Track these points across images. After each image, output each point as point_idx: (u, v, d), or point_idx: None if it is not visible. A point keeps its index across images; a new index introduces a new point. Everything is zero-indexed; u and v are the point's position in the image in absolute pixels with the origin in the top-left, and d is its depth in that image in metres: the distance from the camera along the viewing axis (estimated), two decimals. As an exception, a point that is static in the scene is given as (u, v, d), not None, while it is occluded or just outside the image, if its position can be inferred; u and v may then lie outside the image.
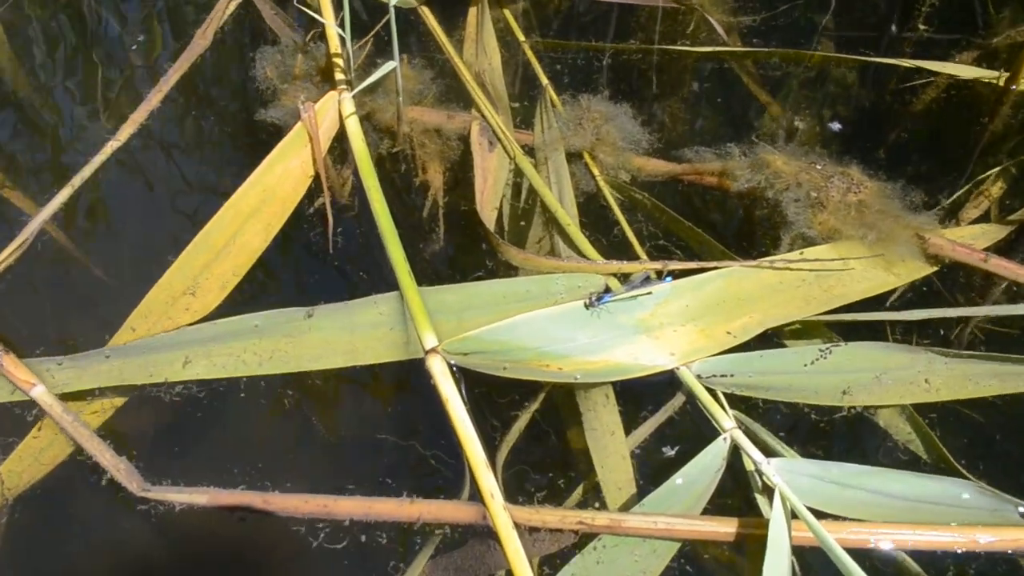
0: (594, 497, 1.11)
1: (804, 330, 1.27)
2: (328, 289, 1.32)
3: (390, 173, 1.50)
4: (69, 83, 1.71)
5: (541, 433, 1.19)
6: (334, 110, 1.49)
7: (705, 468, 1.08)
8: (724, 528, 1.04)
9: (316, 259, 1.38)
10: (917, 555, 1.04)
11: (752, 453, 1.07)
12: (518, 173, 1.46)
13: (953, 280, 1.33)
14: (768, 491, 1.07)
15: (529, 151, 1.50)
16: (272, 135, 1.49)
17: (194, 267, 1.31)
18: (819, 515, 1.02)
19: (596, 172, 1.45)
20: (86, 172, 1.47)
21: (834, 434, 1.19)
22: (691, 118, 1.62)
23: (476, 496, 1.08)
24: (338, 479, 1.12)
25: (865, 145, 1.53)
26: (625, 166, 1.46)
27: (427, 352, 1.16)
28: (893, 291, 1.30)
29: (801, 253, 1.30)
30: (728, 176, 1.44)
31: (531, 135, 1.53)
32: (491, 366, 1.16)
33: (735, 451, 1.10)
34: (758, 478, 1.09)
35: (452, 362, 1.16)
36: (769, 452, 1.09)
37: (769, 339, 1.24)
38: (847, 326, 1.26)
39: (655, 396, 1.20)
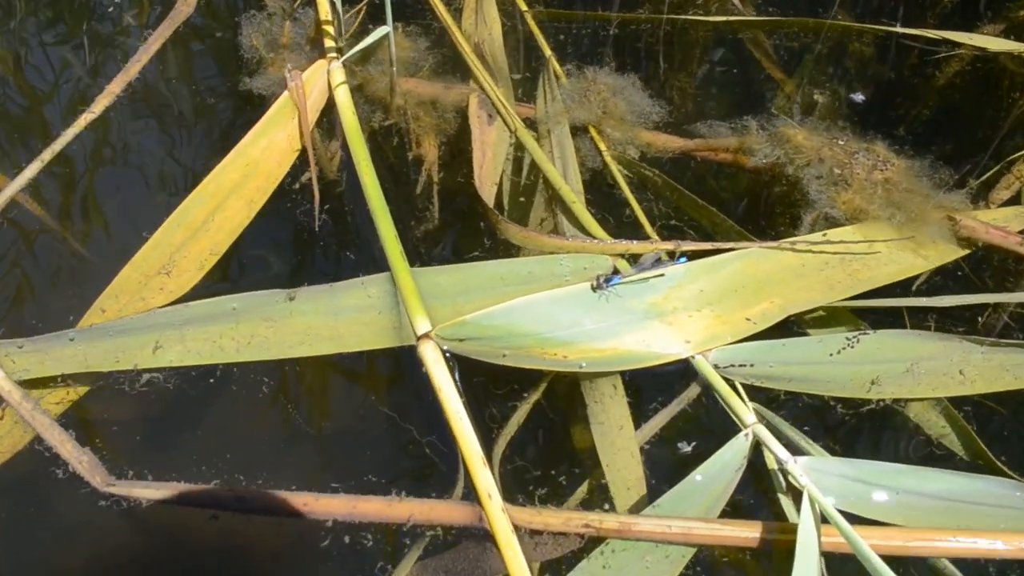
0: (600, 497, 1.00)
1: (828, 317, 1.15)
2: (312, 270, 1.21)
3: (382, 147, 1.38)
4: (50, 50, 1.59)
5: (542, 427, 1.08)
6: (323, 79, 1.37)
7: (724, 466, 0.97)
8: (746, 533, 0.93)
9: (301, 238, 1.26)
10: (958, 561, 0.93)
11: (776, 450, 0.96)
12: (519, 148, 1.35)
13: (978, 264, 1.22)
14: (793, 492, 0.96)
15: (531, 125, 1.38)
16: (257, 107, 1.37)
17: (170, 245, 1.20)
18: (851, 519, 0.90)
19: (603, 147, 1.34)
20: (56, 146, 1.35)
21: (858, 429, 1.08)
22: (703, 92, 1.50)
23: (471, 495, 0.96)
24: (320, 475, 1.01)
25: (886, 121, 1.42)
26: (633, 141, 1.34)
27: (419, 338, 1.04)
28: (916, 276, 1.19)
29: (824, 234, 1.19)
30: (744, 152, 1.32)
31: (533, 108, 1.41)
32: (489, 353, 1.05)
33: (756, 448, 0.99)
34: (781, 478, 0.97)
35: (446, 348, 1.05)
36: (794, 449, 0.98)
37: (789, 327, 1.13)
38: (873, 313, 1.15)
39: (666, 387, 1.09)
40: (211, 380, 1.07)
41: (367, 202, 1.20)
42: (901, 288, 1.17)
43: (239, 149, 1.29)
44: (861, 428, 1.08)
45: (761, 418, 1.00)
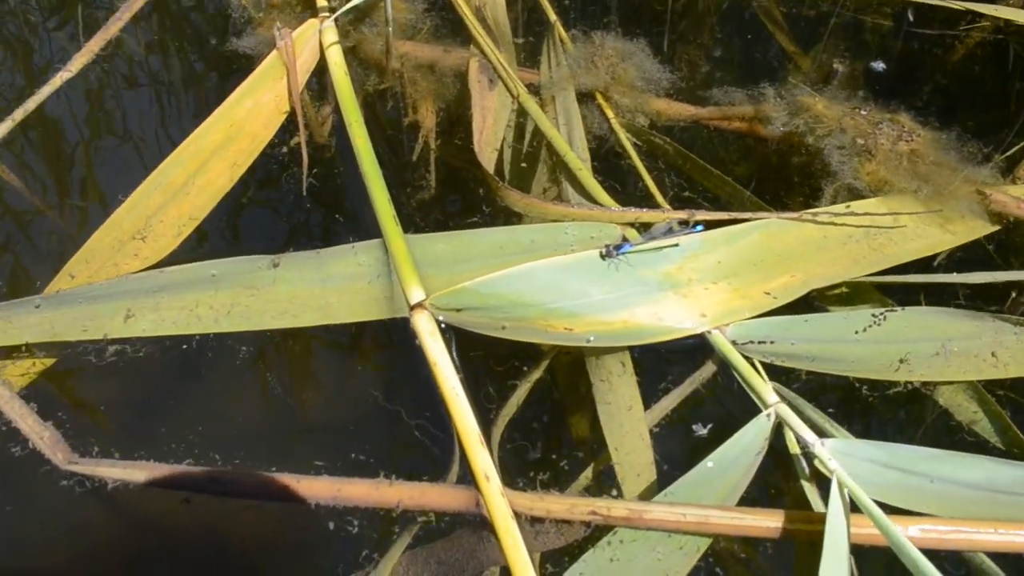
0: (607, 482, 0.91)
1: (849, 294, 1.06)
2: (299, 236, 1.12)
3: (376, 113, 1.29)
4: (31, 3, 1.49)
5: (544, 405, 0.98)
6: (314, 39, 1.28)
7: (744, 450, 0.87)
8: (768, 522, 0.84)
9: (287, 203, 1.16)
10: (997, 556, 0.84)
11: (802, 432, 0.86)
12: (521, 114, 1.25)
13: (999, 242, 1.13)
14: (818, 478, 0.87)
15: (534, 92, 1.29)
16: (245, 69, 1.27)
17: (147, 208, 1.10)
18: (884, 508, 0.81)
19: (610, 115, 1.24)
20: (30, 104, 1.25)
21: (880, 413, 0.99)
22: (713, 59, 1.40)
23: (467, 478, 0.87)
24: (303, 454, 0.91)
25: (907, 92, 1.32)
26: (643, 109, 1.25)
27: (412, 308, 0.95)
28: (934, 256, 1.10)
29: (848, 206, 1.10)
30: (761, 121, 1.23)
31: (536, 74, 1.31)
32: (487, 325, 0.95)
33: (777, 430, 0.89)
34: (804, 462, 0.88)
35: (441, 319, 0.95)
36: (818, 432, 0.88)
37: (807, 304, 1.03)
38: (895, 291, 1.06)
39: (677, 365, 1.00)
40: (184, 347, 0.97)
41: (359, 165, 1.10)
42: (917, 267, 1.08)
43: (223, 110, 1.19)
44: (883, 412, 0.99)
45: (782, 398, 0.91)
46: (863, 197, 1.12)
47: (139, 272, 1.03)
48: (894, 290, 1.06)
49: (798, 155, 1.19)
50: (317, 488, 0.87)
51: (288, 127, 1.21)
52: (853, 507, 0.82)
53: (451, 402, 0.89)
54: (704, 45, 1.44)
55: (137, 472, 0.89)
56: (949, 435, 0.97)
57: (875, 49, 1.43)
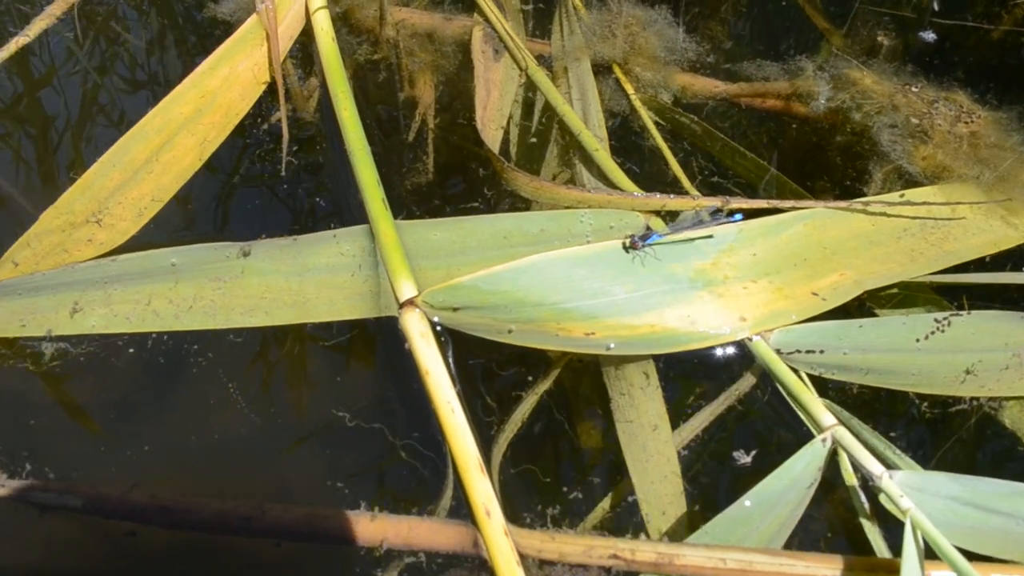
0: (627, 517, 0.75)
1: (902, 296, 0.91)
2: (274, 222, 0.96)
3: (368, 86, 1.12)
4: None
5: (553, 422, 0.83)
6: (299, 2, 1.11)
7: (793, 482, 0.71)
8: (824, 570, 0.68)
9: (262, 185, 1.00)
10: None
11: (865, 462, 0.71)
12: (529, 88, 1.09)
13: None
14: (880, 516, 0.71)
15: (545, 64, 1.12)
16: (223, 36, 1.11)
17: (103, 188, 0.94)
18: (964, 555, 0.66)
19: (630, 90, 1.08)
20: (-20, 70, 1.09)
21: (933, 437, 0.83)
22: (743, 27, 1.24)
23: (463, 510, 0.71)
24: (269, 480, 0.76)
25: (955, 68, 1.16)
26: (666, 84, 1.09)
27: (402, 305, 0.79)
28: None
29: (902, 195, 0.94)
30: (799, 98, 1.07)
31: (546, 45, 1.15)
32: (490, 327, 0.79)
33: (832, 458, 0.74)
34: (863, 497, 0.72)
35: (436, 320, 0.79)
36: (883, 462, 0.73)
37: (856, 308, 0.88)
38: (950, 292, 0.90)
39: (708, 377, 0.84)
40: (131, 350, 0.82)
41: (344, 140, 0.94)
42: (971, 265, 0.92)
43: (194, 78, 1.02)
44: (936, 436, 0.83)
45: (839, 420, 0.75)
46: (917, 184, 0.97)
47: (89, 260, 0.87)
48: (948, 292, 0.91)
49: (842, 134, 1.03)
50: (286, 521, 0.71)
51: (268, 101, 1.05)
52: (927, 552, 0.66)
53: (446, 419, 0.73)
54: (731, 13, 1.28)
55: (73, 498, 0.73)
56: (1016, 463, 0.81)
57: (909, 27, 1.27)
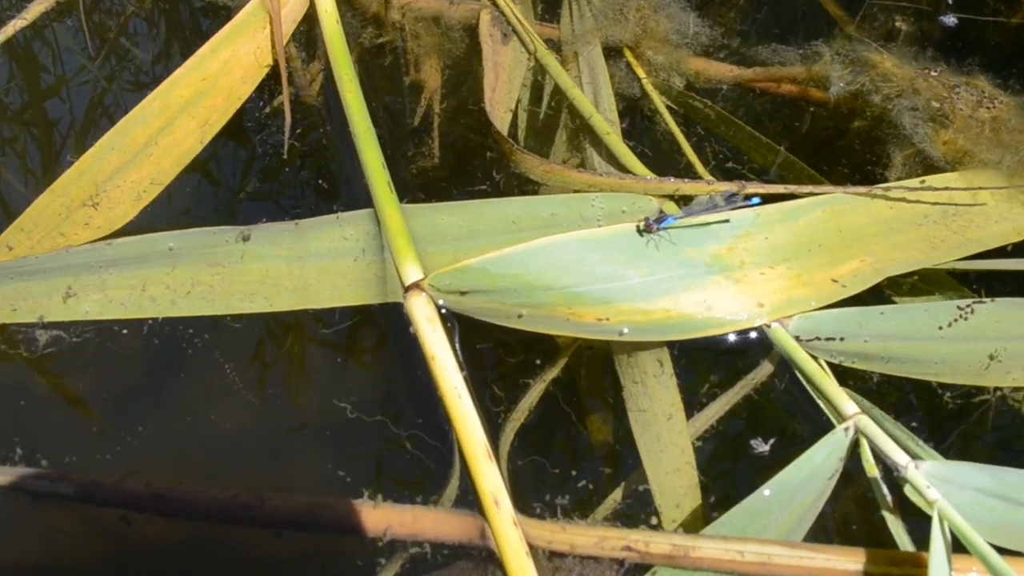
0: (640, 506, 0.72)
1: (922, 283, 0.88)
2: (275, 206, 0.93)
3: (372, 70, 1.10)
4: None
5: (563, 411, 0.80)
6: (303, -16, 1.09)
7: (814, 472, 0.68)
8: (845, 563, 0.65)
9: (264, 168, 0.98)
10: None
11: (890, 452, 0.68)
12: (539, 73, 1.06)
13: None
14: (902, 507, 0.68)
15: (554, 48, 1.09)
16: (223, 20, 1.08)
17: (101, 171, 0.91)
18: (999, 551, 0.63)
19: (641, 74, 1.05)
20: (-22, 54, 1.07)
21: (949, 428, 0.80)
22: (758, 11, 1.20)
23: (469, 499, 0.68)
24: (268, 469, 0.73)
25: (974, 52, 1.12)
26: (678, 68, 1.06)
27: (407, 289, 0.76)
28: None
29: (923, 180, 0.91)
30: (815, 83, 1.04)
31: (556, 28, 1.12)
32: (498, 312, 0.76)
33: (853, 448, 0.71)
34: (885, 488, 0.69)
35: (442, 304, 0.77)
36: (907, 451, 0.70)
37: (875, 294, 0.85)
38: (970, 280, 0.87)
39: (723, 364, 0.81)
40: (124, 332, 0.79)
41: (349, 123, 0.92)
42: (991, 253, 0.89)
43: (194, 61, 0.99)
44: (951, 427, 0.80)
45: (862, 409, 0.72)
46: (937, 169, 0.94)
47: (84, 244, 0.85)
48: (964, 279, 0.88)
49: (861, 119, 1.00)
50: (286, 511, 0.69)
51: (271, 85, 1.03)
52: (955, 546, 0.63)
53: (452, 405, 0.70)
54: None
55: (66, 485, 0.70)
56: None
57: (924, 16, 1.23)
